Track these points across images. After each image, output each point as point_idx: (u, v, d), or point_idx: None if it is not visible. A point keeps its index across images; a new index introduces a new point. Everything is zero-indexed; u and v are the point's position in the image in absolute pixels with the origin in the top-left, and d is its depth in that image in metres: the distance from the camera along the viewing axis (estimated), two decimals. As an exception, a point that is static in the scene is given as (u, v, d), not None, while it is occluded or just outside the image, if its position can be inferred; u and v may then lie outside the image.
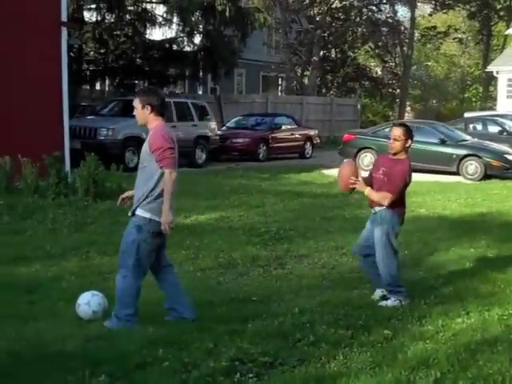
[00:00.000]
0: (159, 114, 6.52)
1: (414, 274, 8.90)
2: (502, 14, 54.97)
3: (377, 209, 7.50)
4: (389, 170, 7.44)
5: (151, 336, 6.24)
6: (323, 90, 47.03)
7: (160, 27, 30.37)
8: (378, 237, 7.42)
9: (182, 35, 30.94)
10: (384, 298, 7.58)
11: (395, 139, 7.49)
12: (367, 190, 7.44)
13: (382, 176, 7.48)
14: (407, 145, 7.52)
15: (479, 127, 26.99)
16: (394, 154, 7.55)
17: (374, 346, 6.18)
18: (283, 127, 27.90)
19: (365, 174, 7.74)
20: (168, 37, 31.10)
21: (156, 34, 30.88)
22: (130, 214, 6.69)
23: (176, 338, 6.18)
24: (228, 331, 6.42)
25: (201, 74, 33.14)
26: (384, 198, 7.35)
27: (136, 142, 20.94)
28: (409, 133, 7.56)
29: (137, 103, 6.57)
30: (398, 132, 7.52)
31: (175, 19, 29.92)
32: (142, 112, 6.55)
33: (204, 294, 7.75)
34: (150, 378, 5.33)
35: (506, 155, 21.16)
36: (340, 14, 45.82)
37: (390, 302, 7.47)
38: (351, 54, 48.16)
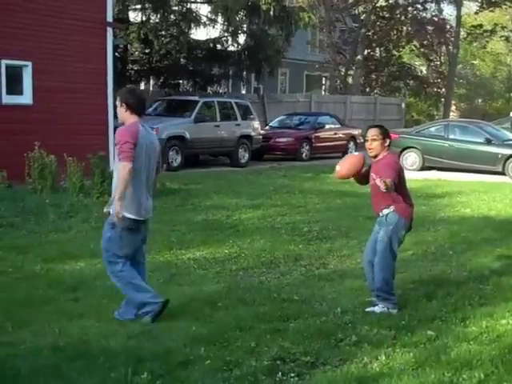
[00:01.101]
0: (135, 112, 6.66)
1: (458, 274, 8.81)
2: (549, 11, 54.22)
3: (384, 211, 7.33)
4: (377, 172, 7.22)
5: (193, 334, 6.29)
6: (367, 89, 46.81)
7: (204, 27, 30.49)
8: (381, 238, 7.27)
9: (226, 35, 31.05)
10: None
11: (373, 139, 7.32)
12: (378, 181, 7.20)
13: (373, 182, 7.27)
14: (386, 144, 7.33)
15: (526, 126, 26.65)
16: (375, 157, 7.37)
17: (417, 346, 6.15)
18: (326, 126, 27.84)
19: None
20: (212, 36, 31.22)
21: (200, 33, 31.01)
22: (104, 211, 6.95)
23: (218, 336, 6.22)
24: (270, 330, 6.45)
25: (244, 73, 33.21)
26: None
27: (179, 142, 21.12)
28: (385, 132, 7.39)
29: (117, 101, 6.77)
30: (373, 132, 7.34)
31: (219, 19, 30.00)
32: (119, 110, 6.74)
33: (246, 293, 7.77)
34: (192, 376, 5.37)
35: (553, 155, 20.89)
36: (385, 12, 45.50)
37: (378, 308, 7.22)
38: (396, 52, 47.81)
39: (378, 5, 44.55)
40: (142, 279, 6.89)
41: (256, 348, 5.99)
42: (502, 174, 20.61)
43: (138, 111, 6.70)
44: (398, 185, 7.07)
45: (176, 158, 20.97)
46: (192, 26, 30.02)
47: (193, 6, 30.76)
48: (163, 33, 30.75)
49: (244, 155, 23.66)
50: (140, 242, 6.94)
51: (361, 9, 45.30)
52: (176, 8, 29.88)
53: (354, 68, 43.89)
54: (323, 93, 48.72)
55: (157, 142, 6.96)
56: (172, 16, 29.95)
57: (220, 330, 6.41)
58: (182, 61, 31.98)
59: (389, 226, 7.21)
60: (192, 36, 30.86)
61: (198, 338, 6.14)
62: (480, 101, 60.46)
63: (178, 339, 6.11)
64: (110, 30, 18.76)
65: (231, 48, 31.56)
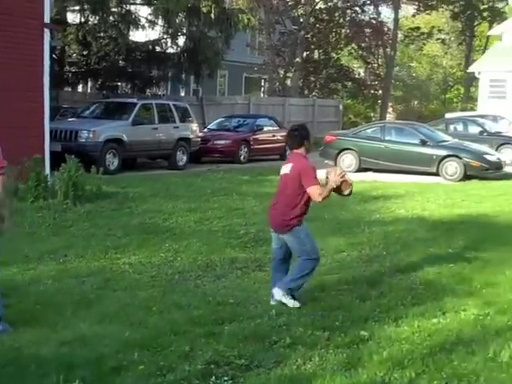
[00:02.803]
0: None
1: (391, 274, 8.93)
2: (485, 14, 55.28)
3: None
4: None
5: (127, 339, 6.25)
6: (305, 91, 47.09)
7: (143, 29, 30.30)
8: None
9: (165, 37, 30.92)
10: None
11: None
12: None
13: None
14: None
15: (460, 128, 27.14)
16: None
17: (350, 347, 6.23)
18: (265, 129, 27.91)
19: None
20: (151, 38, 31.05)
21: (139, 35, 30.82)
22: None
23: (152, 341, 6.19)
24: (204, 334, 6.45)
25: (183, 75, 33.11)
26: None
27: (117, 145, 20.94)
28: None
29: None
30: None
31: (159, 21, 29.85)
32: None
33: (181, 297, 7.76)
34: (124, 382, 5.35)
35: (485, 156, 21.27)
36: (324, 14, 45.94)
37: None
38: (334, 55, 48.26)
39: (317, 7, 44.91)
40: None
41: (190, 352, 5.99)
42: (437, 174, 20.89)
43: None
44: None
45: (113, 161, 20.75)
46: (131, 27, 29.81)
47: (132, 8, 30.53)
48: (102, 34, 30.45)
49: (182, 158, 23.55)
50: None
51: (300, 11, 45.58)
52: (115, 9, 29.59)
53: (292, 70, 44.14)
54: (262, 95, 48.90)
55: None
56: (111, 18, 29.65)
57: (154, 334, 6.38)
58: (121, 63, 31.76)
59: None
60: (131, 38, 30.64)
61: (131, 344, 6.11)
62: (416, 103, 61.37)
63: (111, 345, 6.06)
64: (47, 32, 18.45)
65: (170, 50, 31.44)
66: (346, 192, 7.64)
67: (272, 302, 7.52)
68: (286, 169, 7.60)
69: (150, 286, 8.31)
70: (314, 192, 7.34)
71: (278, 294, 7.47)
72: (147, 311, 7.19)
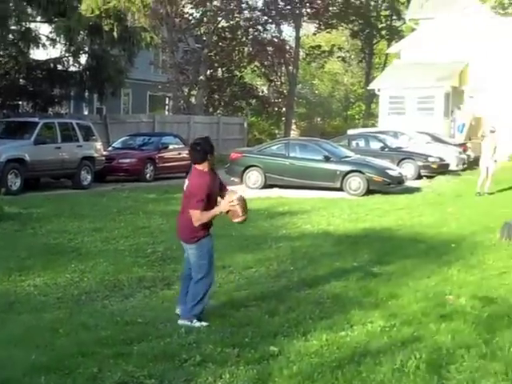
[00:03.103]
0: None
1: (299, 289, 9.01)
2: (383, 33, 56.79)
3: None
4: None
5: (34, 362, 6.13)
6: (210, 109, 47.22)
7: (44, 47, 29.78)
8: None
9: (67, 55, 30.48)
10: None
11: None
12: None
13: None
14: None
15: (362, 144, 27.63)
16: None
17: (261, 363, 6.26)
18: (170, 147, 27.80)
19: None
20: (53, 56, 30.55)
21: (40, 53, 30.26)
22: None
23: (59, 364, 6.09)
24: (113, 354, 6.37)
25: (86, 94, 32.71)
26: None
27: (19, 164, 20.50)
28: None
29: None
30: None
31: (60, 39, 29.39)
32: None
33: (88, 318, 7.64)
34: (31, 407, 5.22)
35: (387, 171, 21.71)
36: (226, 33, 46.23)
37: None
38: (238, 73, 48.59)
39: (219, 26, 45.17)
40: None
41: (99, 374, 5.91)
42: (341, 190, 21.20)
43: None
44: None
45: (15, 182, 20.28)
46: (31, 45, 29.27)
47: (32, 26, 29.98)
48: (1, 53, 29.80)
49: (86, 177, 23.20)
50: None
51: (203, 30, 45.73)
52: (15, 27, 29.00)
53: (197, 88, 44.19)
54: (167, 113, 48.75)
55: None
56: (10, 35, 29.05)
57: (61, 357, 6.27)
58: (22, 81, 31.09)
59: None
60: (32, 56, 30.07)
61: (37, 367, 5.98)
62: (319, 119, 62.32)
63: (17, 369, 5.93)
64: None
65: (73, 68, 30.97)
66: (235, 220, 7.65)
67: (180, 322, 7.50)
68: (185, 184, 7.61)
69: (56, 308, 8.16)
70: (193, 216, 7.34)
71: (184, 322, 7.45)
72: (54, 333, 7.05)
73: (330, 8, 48.50)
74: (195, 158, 7.55)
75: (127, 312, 7.97)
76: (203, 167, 7.48)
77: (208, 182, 7.42)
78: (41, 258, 10.94)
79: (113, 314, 7.86)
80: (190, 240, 7.55)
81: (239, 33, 46.55)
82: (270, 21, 48.61)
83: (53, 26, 28.99)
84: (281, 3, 47.57)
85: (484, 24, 34.02)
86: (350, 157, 22.73)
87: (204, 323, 7.42)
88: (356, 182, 21.18)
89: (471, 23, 34.60)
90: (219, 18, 44.66)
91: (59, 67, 30.80)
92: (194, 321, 7.43)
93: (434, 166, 26.30)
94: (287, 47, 48.99)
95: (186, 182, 7.60)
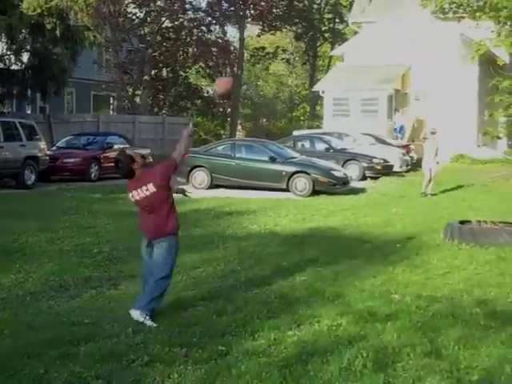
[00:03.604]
0: None
1: (246, 289, 9.03)
2: (326, 35, 57.22)
3: None
4: None
5: (-22, 364, 6.02)
6: (155, 109, 46.98)
7: (-15, 45, 29.38)
8: None
9: (8, 53, 30.05)
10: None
11: None
12: None
13: None
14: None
15: (307, 145, 27.79)
16: None
17: (209, 362, 6.27)
18: (115, 146, 27.54)
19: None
20: (-6, 54, 30.14)
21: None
22: None
23: (5, 365, 5.99)
24: (60, 355, 6.32)
25: (29, 92, 32.30)
26: None
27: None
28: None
29: None
30: None
31: (1, 37, 28.98)
32: None
33: (34, 319, 7.55)
34: (-24, 409, 5.14)
35: (332, 171, 21.87)
36: (171, 33, 46.03)
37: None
38: (182, 73, 48.44)
39: (163, 26, 44.98)
40: None
41: (45, 375, 5.86)
42: (287, 190, 21.29)
43: None
44: None
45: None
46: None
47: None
48: None
49: (30, 177, 22.88)
50: None
51: (147, 30, 45.47)
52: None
53: (141, 88, 43.93)
54: (111, 113, 48.36)
55: None
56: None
57: (6, 358, 6.18)
58: (-39, 79, 30.60)
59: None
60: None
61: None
62: (264, 120, 62.45)
63: (-39, 370, 5.83)
64: None
65: (14, 67, 30.58)
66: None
67: (132, 312, 7.56)
68: (143, 192, 7.59)
69: (1, 309, 8.05)
70: (177, 159, 7.94)
71: (136, 314, 7.42)
72: (-2, 334, 6.96)
73: (274, 10, 48.61)
74: (128, 174, 7.67)
75: (73, 312, 7.89)
76: (139, 174, 7.64)
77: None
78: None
79: (59, 314, 7.78)
80: (166, 233, 7.68)
81: (183, 33, 46.35)
82: (214, 22, 48.59)
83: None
84: (224, 4, 47.61)
85: (425, 28, 34.52)
86: (295, 158, 22.82)
87: (154, 324, 7.40)
88: (302, 183, 21.28)
89: (412, 27, 35.08)
90: (163, 19, 44.47)
91: (0, 65, 30.37)
92: (147, 317, 7.43)
93: (379, 168, 26.57)
94: (231, 48, 48.99)
95: (140, 191, 7.61)
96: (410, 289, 9.03)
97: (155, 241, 7.71)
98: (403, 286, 9.21)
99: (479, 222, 13.07)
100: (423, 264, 10.70)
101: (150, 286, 7.63)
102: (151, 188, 7.55)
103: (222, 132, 52.71)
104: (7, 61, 30.50)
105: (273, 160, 21.91)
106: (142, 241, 7.89)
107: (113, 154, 26.72)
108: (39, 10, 27.60)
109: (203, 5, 48.98)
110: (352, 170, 25.17)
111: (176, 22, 45.55)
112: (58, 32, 28.20)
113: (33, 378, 5.78)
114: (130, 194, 7.71)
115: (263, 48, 53.76)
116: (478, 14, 30.45)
